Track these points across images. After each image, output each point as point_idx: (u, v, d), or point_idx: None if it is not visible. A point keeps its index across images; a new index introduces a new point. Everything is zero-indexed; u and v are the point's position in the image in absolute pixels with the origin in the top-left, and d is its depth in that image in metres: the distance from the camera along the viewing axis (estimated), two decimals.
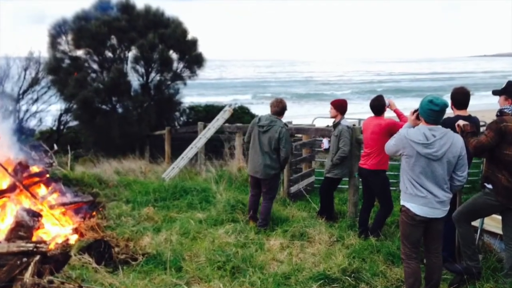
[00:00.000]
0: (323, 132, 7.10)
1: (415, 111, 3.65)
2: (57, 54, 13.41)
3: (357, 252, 4.55)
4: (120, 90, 12.92)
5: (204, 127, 9.72)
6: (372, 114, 5.22)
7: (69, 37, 13.37)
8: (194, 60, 13.97)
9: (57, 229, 5.09)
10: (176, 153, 10.11)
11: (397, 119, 5.25)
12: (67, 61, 13.40)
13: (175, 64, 13.81)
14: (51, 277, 3.67)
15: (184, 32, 13.92)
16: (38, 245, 3.87)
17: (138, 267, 4.23)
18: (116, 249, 4.46)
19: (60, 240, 4.75)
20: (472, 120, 4.12)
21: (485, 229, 4.60)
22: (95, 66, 13.55)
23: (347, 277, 3.98)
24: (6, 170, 5.35)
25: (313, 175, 7.87)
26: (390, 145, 3.68)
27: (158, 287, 3.87)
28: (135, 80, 13.58)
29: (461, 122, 3.93)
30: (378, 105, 5.12)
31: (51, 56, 13.43)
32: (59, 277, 3.72)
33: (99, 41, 13.05)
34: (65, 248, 4.48)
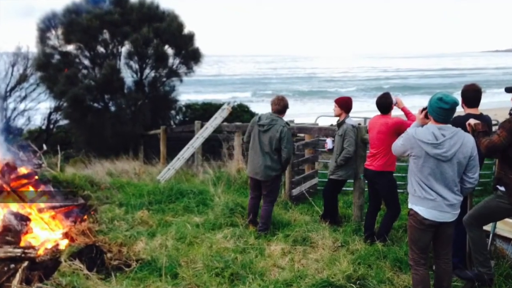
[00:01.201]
0: (327, 132, 7.10)
1: (424, 109, 3.65)
2: (47, 49, 13.42)
3: (362, 258, 4.55)
4: (112, 87, 12.92)
5: (201, 126, 9.73)
6: (378, 113, 5.22)
7: (59, 31, 13.39)
8: (191, 56, 13.98)
9: (47, 233, 5.09)
10: (171, 153, 10.13)
11: (404, 118, 5.25)
12: (57, 56, 13.42)
13: (170, 60, 13.83)
14: (40, 284, 3.68)
15: (180, 26, 13.93)
16: (26, 250, 3.88)
17: (132, 274, 4.23)
18: (109, 255, 4.46)
19: (49, 245, 4.75)
20: (484, 119, 4.12)
21: (498, 234, 4.59)
22: (86, 62, 13.57)
23: (352, 284, 3.98)
24: None
25: (316, 176, 7.87)
26: (398, 145, 3.68)
27: None
28: (128, 77, 13.60)
29: (472, 121, 3.93)
30: (384, 103, 5.12)
31: (40, 51, 13.44)
32: (49, 284, 3.73)
33: (91, 36, 13.06)
34: (55, 253, 4.47)
